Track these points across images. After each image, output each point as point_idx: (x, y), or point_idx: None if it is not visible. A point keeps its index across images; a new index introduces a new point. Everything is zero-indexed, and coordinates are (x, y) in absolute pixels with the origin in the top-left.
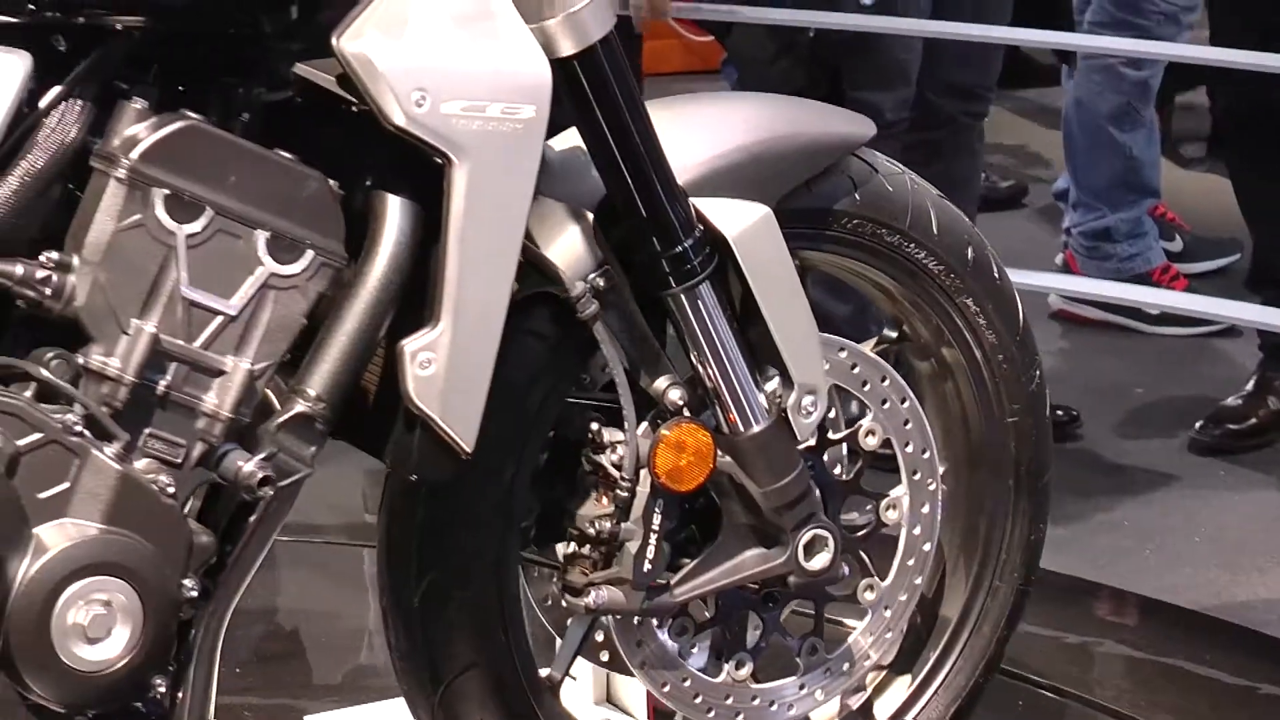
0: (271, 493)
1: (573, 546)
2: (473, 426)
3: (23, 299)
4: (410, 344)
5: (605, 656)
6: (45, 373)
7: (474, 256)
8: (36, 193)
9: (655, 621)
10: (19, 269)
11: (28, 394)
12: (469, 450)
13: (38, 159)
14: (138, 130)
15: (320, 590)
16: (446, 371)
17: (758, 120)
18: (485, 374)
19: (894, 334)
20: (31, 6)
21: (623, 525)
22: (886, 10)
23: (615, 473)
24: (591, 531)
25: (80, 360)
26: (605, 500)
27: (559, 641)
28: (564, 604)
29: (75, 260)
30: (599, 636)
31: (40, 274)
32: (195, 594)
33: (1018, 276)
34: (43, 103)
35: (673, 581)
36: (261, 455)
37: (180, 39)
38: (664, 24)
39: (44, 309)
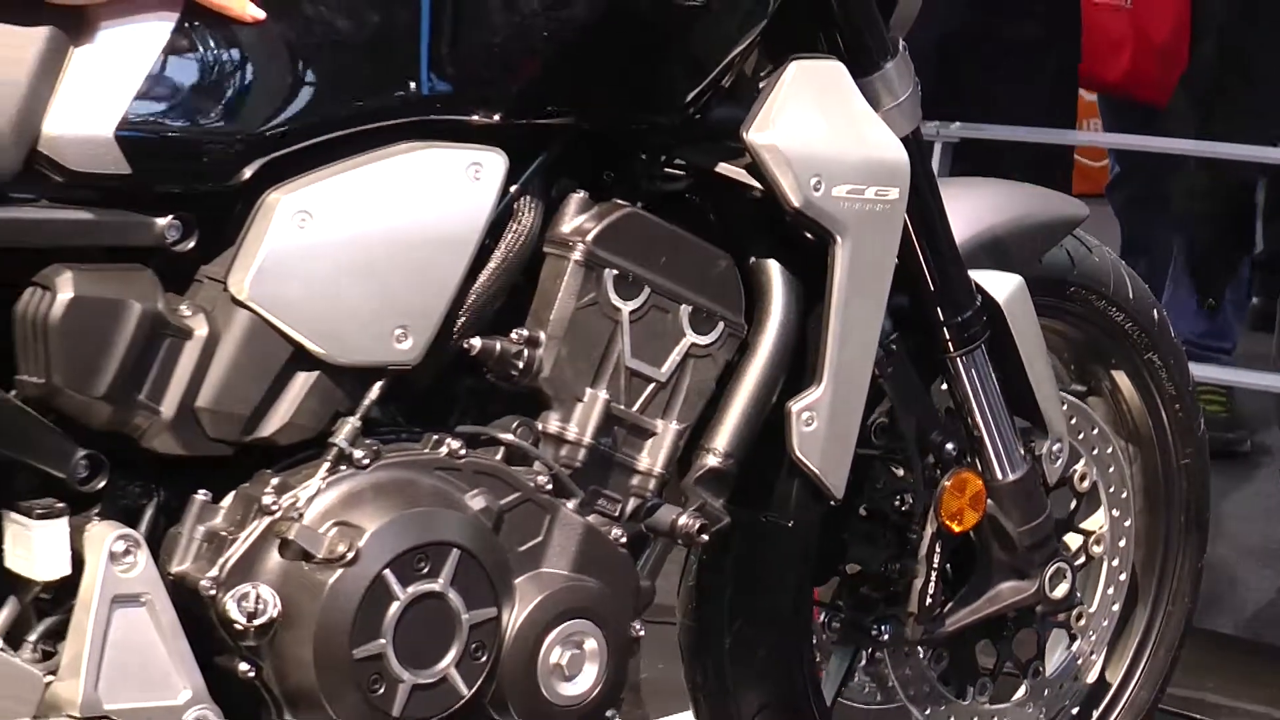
0: (706, 540)
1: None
2: (843, 475)
3: (496, 373)
4: (796, 404)
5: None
6: (512, 437)
7: (851, 324)
8: (510, 277)
9: (921, 652)
10: (498, 346)
11: (497, 458)
12: (839, 497)
13: (510, 246)
14: (585, 218)
15: None
16: (826, 428)
17: (1002, 202)
18: (854, 429)
19: (1083, 387)
20: (495, 115)
21: (909, 564)
22: None
23: (900, 516)
24: (881, 571)
25: (540, 426)
26: (890, 542)
27: None
28: (846, 638)
29: (542, 336)
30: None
31: (514, 350)
32: (643, 634)
33: None
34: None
35: (944, 613)
36: (694, 507)
37: (599, 136)
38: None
39: (512, 381)
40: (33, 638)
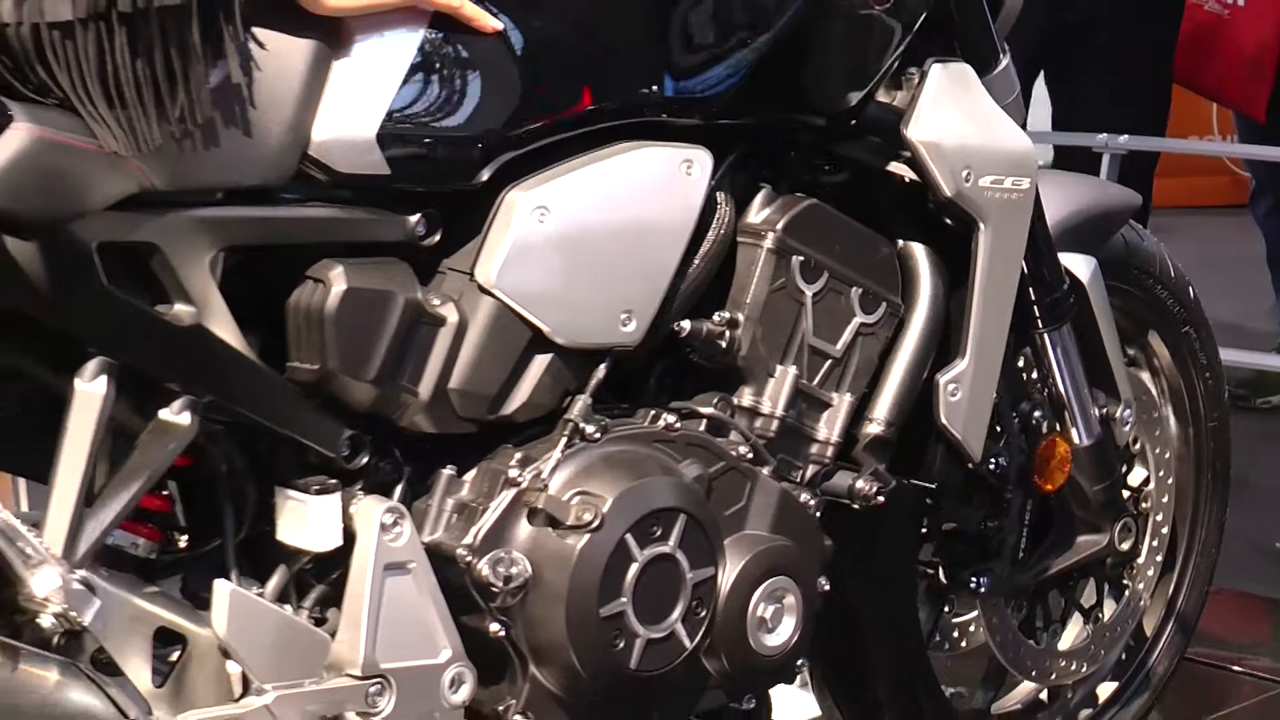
0: (883, 501)
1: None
2: (981, 441)
3: (700, 352)
4: (943, 376)
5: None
6: (714, 411)
7: (991, 302)
8: (714, 264)
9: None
10: (705, 328)
11: (700, 429)
12: (978, 461)
13: (714, 236)
14: (771, 209)
15: None
16: (969, 397)
17: (1071, 192)
18: (991, 397)
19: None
20: (701, 116)
21: (1004, 522)
22: None
23: (996, 479)
24: (979, 529)
25: (735, 400)
26: (985, 502)
27: None
28: (932, 592)
29: (740, 318)
30: None
31: (717, 331)
32: (827, 589)
33: None
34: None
35: (1030, 565)
36: (868, 472)
37: (774, 134)
38: (1219, 161)
39: (713, 360)
40: (306, 604)
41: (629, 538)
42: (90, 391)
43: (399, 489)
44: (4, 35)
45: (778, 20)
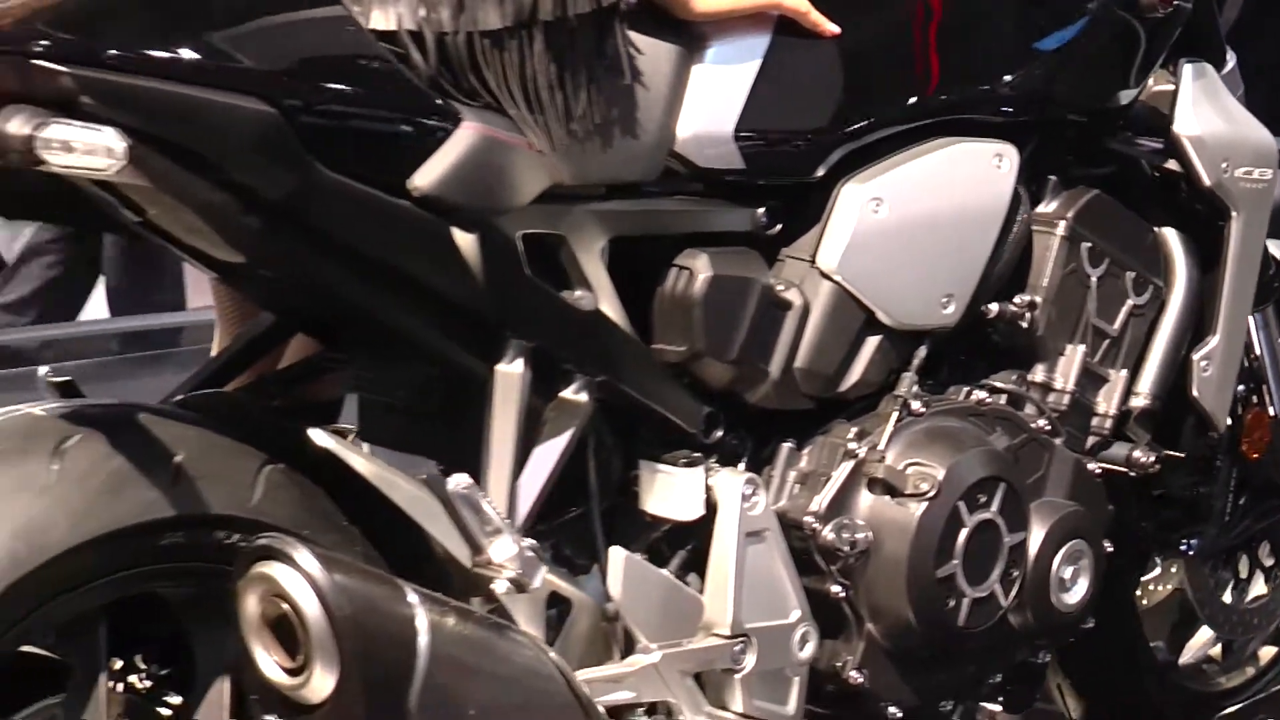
0: (1158, 470)
1: None
2: (1226, 413)
3: (1003, 333)
4: (1196, 353)
5: None
6: (1014, 387)
7: (1240, 283)
8: (1018, 251)
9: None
10: (1009, 309)
11: (1002, 403)
12: (1222, 432)
13: (1019, 224)
14: (1061, 199)
15: None
16: (1218, 373)
17: None
18: (1235, 373)
19: None
20: (1006, 113)
21: (1212, 488)
22: None
23: (1205, 448)
24: (1191, 495)
25: (1030, 377)
26: (1192, 468)
27: None
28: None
29: (1039, 300)
30: None
31: (1020, 313)
32: (1110, 550)
33: None
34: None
35: (1231, 528)
36: (1145, 443)
37: (1056, 129)
38: None
39: (1013, 339)
40: (670, 570)
41: (960, 505)
42: (510, 373)
43: (743, 462)
44: (442, 43)
45: (1076, 23)
